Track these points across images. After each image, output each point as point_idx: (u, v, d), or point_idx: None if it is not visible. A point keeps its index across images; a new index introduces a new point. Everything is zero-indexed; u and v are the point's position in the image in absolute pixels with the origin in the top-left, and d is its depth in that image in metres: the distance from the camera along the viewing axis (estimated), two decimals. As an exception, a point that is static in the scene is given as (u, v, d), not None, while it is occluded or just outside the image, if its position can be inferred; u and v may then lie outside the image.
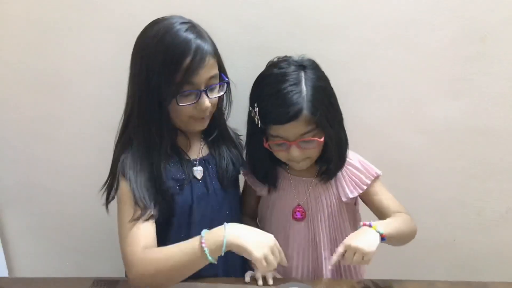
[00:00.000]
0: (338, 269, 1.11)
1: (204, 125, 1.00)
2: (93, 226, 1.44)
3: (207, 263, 0.83)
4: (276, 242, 0.88)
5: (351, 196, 1.06)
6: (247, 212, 1.19)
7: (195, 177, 1.02)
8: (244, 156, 1.12)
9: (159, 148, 0.94)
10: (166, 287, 0.91)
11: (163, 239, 0.93)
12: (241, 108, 1.06)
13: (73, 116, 1.34)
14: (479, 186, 1.35)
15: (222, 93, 0.99)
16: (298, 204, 1.08)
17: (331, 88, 1.02)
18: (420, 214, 1.32)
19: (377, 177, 1.07)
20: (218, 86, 0.97)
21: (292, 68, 0.97)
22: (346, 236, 1.02)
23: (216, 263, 0.83)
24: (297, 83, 0.95)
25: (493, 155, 1.32)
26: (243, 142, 1.13)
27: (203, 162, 1.05)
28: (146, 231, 0.89)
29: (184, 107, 0.92)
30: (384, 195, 1.08)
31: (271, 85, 0.96)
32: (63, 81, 1.29)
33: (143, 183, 0.92)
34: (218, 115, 1.05)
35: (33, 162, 1.40)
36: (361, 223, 0.96)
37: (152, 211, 0.91)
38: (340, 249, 0.90)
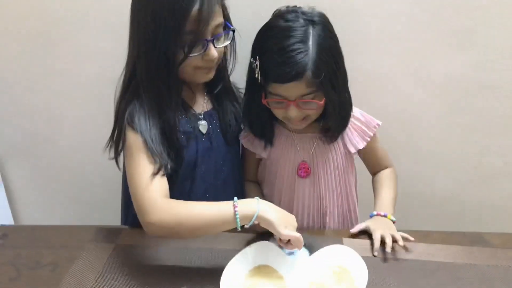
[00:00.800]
0: (340, 220, 1.14)
1: (210, 76, 0.98)
2: (95, 176, 1.46)
3: (232, 227, 0.84)
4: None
5: (360, 147, 1.06)
6: (248, 177, 1.17)
7: (200, 131, 1.02)
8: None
9: (169, 101, 0.92)
10: (178, 239, 0.93)
11: None
12: (244, 60, 1.02)
13: (73, 67, 1.32)
14: (479, 140, 1.35)
15: (228, 42, 0.96)
16: (303, 161, 1.07)
17: (339, 48, 0.96)
18: (418, 167, 1.39)
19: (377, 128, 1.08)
20: (223, 35, 0.94)
21: (301, 22, 0.90)
22: (351, 189, 1.11)
23: (240, 230, 0.84)
24: (304, 40, 0.89)
25: (494, 108, 1.31)
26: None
27: (207, 116, 1.04)
28: (163, 184, 0.89)
29: (190, 58, 0.90)
30: (378, 149, 1.12)
31: (276, 40, 0.91)
32: (63, 32, 1.26)
33: (157, 137, 0.91)
34: (222, 67, 1.03)
35: (34, 113, 1.40)
36: (375, 213, 1.03)
37: (169, 164, 0.91)
38: (378, 237, 0.95)
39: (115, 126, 0.96)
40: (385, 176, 1.14)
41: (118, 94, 0.97)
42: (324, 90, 0.92)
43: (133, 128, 0.91)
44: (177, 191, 0.93)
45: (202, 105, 1.05)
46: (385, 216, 1.02)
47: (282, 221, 0.85)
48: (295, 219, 0.90)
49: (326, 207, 1.10)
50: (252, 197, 1.09)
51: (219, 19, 0.91)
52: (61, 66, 1.31)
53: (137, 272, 0.89)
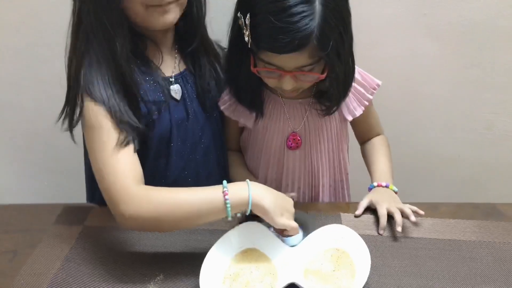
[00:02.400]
0: (332, 191, 1.07)
1: (168, 18, 0.79)
2: (63, 143, 1.34)
3: (221, 217, 0.74)
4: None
5: (357, 114, 0.96)
6: (230, 147, 1.06)
7: (173, 98, 0.88)
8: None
9: (121, 53, 0.77)
10: (158, 231, 0.83)
11: None
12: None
13: (27, 23, 1.19)
14: (492, 97, 1.28)
15: None
16: (293, 131, 0.96)
17: (348, 5, 0.80)
18: (424, 128, 1.34)
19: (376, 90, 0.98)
20: None
21: None
22: (344, 157, 1.04)
23: (231, 219, 0.74)
24: (310, 0, 0.73)
25: (510, 61, 1.21)
26: None
27: (180, 79, 0.90)
28: (136, 167, 0.77)
29: None
30: (372, 113, 1.04)
31: None
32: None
33: (121, 100, 0.77)
34: (197, 14, 0.86)
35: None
36: (375, 184, 0.95)
37: (140, 127, 0.78)
38: (384, 213, 0.87)
39: (69, 89, 0.82)
40: (378, 143, 1.05)
41: (68, 49, 0.81)
42: (328, 61, 0.79)
43: (89, 95, 0.77)
44: (151, 170, 0.82)
45: (172, 66, 0.90)
46: (386, 187, 0.93)
47: (278, 208, 0.75)
48: (292, 204, 0.80)
49: (318, 180, 1.01)
50: (236, 171, 1.01)
51: None
52: (14, 20, 1.19)
53: (107, 259, 0.81)
